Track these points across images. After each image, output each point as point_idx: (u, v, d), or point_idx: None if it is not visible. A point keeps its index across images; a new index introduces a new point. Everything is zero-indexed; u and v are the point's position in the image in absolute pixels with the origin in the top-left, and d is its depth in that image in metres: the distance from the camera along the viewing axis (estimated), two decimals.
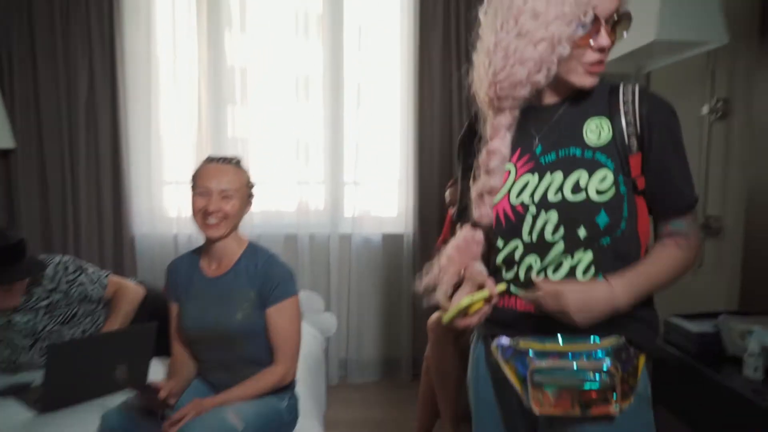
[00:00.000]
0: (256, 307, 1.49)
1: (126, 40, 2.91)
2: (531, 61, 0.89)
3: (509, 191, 0.98)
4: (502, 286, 0.94)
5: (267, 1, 3.04)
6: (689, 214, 0.96)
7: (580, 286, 0.91)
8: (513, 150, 0.99)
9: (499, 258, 1.01)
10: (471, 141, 1.06)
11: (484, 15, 0.96)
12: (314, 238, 3.14)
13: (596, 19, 0.89)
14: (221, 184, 1.47)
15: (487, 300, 0.92)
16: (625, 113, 0.94)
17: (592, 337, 0.92)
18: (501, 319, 0.99)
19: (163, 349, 1.74)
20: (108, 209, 2.94)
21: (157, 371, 1.84)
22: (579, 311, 0.88)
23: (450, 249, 1.03)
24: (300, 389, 1.83)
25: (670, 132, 0.94)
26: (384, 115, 3.16)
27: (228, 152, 3.01)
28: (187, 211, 2.61)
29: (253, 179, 1.59)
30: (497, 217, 0.99)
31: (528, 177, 0.96)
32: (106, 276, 1.97)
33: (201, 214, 1.46)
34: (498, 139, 0.98)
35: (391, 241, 3.18)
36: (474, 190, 1.01)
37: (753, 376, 1.37)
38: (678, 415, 1.58)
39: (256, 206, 3.03)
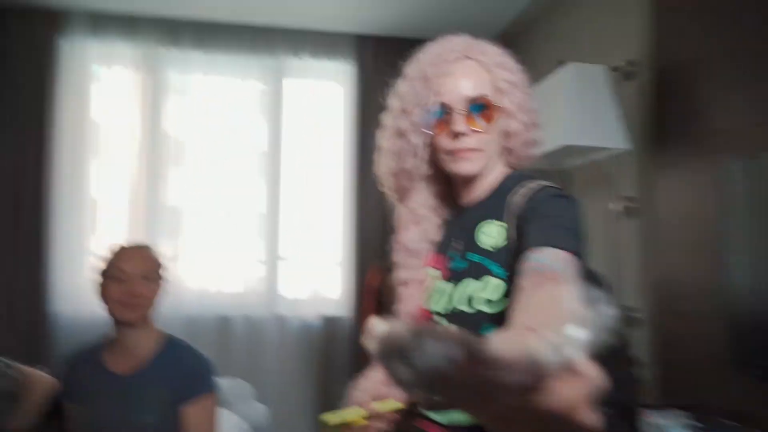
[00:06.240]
0: (171, 408, 1.41)
1: (60, 111, 2.87)
2: (392, 152, 0.96)
3: (427, 298, 0.95)
4: (389, 405, 0.88)
5: (208, 80, 3.10)
6: (551, 251, 0.75)
7: None
8: (440, 252, 0.98)
9: None
10: None
11: None
12: (249, 320, 3.05)
13: (447, 108, 0.89)
14: (140, 265, 1.43)
15: (377, 417, 0.88)
16: (514, 216, 0.86)
17: None
18: None
19: None
20: (22, 283, 2.76)
21: None
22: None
23: None
24: None
25: (543, 213, 0.81)
26: (325, 193, 3.20)
27: (163, 223, 2.99)
28: None
29: (164, 262, 1.54)
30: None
31: (443, 284, 0.93)
32: (9, 366, 1.82)
33: (119, 301, 1.39)
34: (403, 232, 1.00)
35: (331, 324, 3.11)
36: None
37: None
38: None
39: (188, 284, 3.00)
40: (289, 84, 3.17)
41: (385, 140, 0.99)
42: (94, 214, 2.97)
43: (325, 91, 3.26)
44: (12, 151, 2.78)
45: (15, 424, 1.74)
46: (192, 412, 1.43)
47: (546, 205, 0.83)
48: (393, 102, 0.98)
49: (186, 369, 1.44)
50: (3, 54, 2.78)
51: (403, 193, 1.00)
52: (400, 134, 0.95)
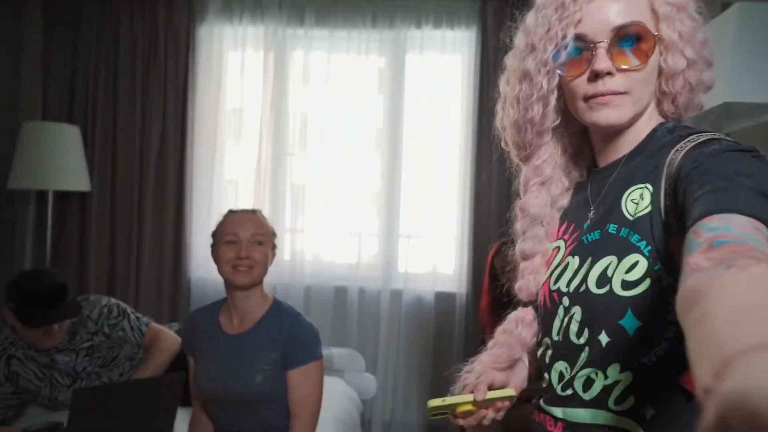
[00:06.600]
0: (277, 370, 1.44)
1: (197, 94, 3.08)
2: (515, 99, 0.80)
3: (551, 274, 0.81)
4: (501, 393, 0.79)
5: (330, 58, 3.13)
6: (735, 218, 0.53)
7: None
8: (568, 221, 0.84)
9: (538, 354, 0.83)
10: None
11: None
12: (364, 292, 3.08)
13: (588, 41, 0.72)
14: (251, 229, 1.45)
15: (487, 404, 0.78)
16: (667, 176, 0.67)
17: None
18: None
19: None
20: (169, 252, 3.05)
21: (184, 421, 1.82)
22: None
23: (498, 332, 0.89)
24: None
25: (717, 171, 0.60)
26: (442, 169, 3.11)
27: (286, 199, 3.12)
28: None
29: (275, 230, 1.56)
30: (541, 302, 0.83)
31: (569, 259, 0.79)
32: (147, 324, 2.00)
33: (230, 264, 1.43)
34: (527, 195, 0.86)
35: (444, 299, 3.05)
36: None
37: None
38: None
39: (309, 255, 3.10)
40: (410, 58, 3.10)
41: (507, 85, 0.84)
42: (227, 192, 3.17)
43: (446, 63, 3.13)
44: (158, 135, 3.04)
45: (147, 373, 1.91)
46: (298, 377, 1.44)
47: (720, 160, 0.61)
48: (519, 38, 0.81)
49: (292, 334, 1.45)
50: (152, 42, 3.03)
51: (527, 150, 0.85)
52: (525, 76, 0.78)
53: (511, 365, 0.85)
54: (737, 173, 0.58)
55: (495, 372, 0.83)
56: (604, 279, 0.71)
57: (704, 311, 0.41)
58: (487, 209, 2.98)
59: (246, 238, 1.44)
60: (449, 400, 0.78)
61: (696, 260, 0.50)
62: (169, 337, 2.01)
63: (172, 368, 1.89)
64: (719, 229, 0.52)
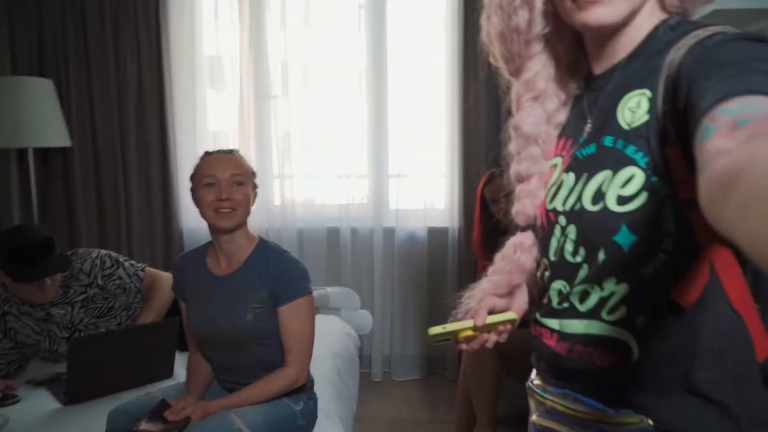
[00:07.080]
0: (268, 308, 1.44)
1: (171, 42, 2.97)
2: (498, 7, 0.74)
3: (547, 193, 0.78)
4: (502, 317, 0.79)
5: None
6: (754, 98, 0.48)
7: None
8: (566, 137, 0.78)
9: (538, 275, 0.82)
10: None
11: None
12: (357, 232, 3.09)
13: None
14: (230, 170, 1.41)
15: (485, 328, 0.79)
16: (667, 78, 0.62)
17: (612, 409, 0.69)
18: (536, 350, 0.82)
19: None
20: (158, 204, 3.03)
21: (183, 364, 1.86)
22: None
23: (497, 258, 0.86)
24: (324, 389, 1.78)
25: (723, 60, 0.55)
26: (429, 105, 3.05)
27: (273, 145, 3.07)
28: None
29: (255, 169, 1.52)
30: (539, 223, 0.81)
31: (565, 176, 0.75)
32: (143, 269, 2.01)
33: (212, 207, 1.40)
34: (520, 113, 0.79)
35: (436, 235, 3.07)
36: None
37: None
38: None
39: (299, 199, 3.09)
40: None
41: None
42: (211, 140, 3.10)
43: None
44: (135, 86, 2.94)
45: (150, 317, 1.93)
46: (289, 313, 1.45)
47: (727, 50, 0.56)
48: None
49: (280, 271, 1.44)
50: None
51: (516, 63, 0.78)
52: None
53: (512, 291, 0.84)
54: (749, 59, 0.52)
55: (495, 298, 0.82)
56: (598, 195, 0.67)
57: (757, 187, 0.33)
58: (476, 143, 2.94)
59: (225, 179, 1.41)
60: (449, 326, 0.79)
61: (717, 143, 0.44)
62: (167, 278, 2.01)
63: (173, 310, 1.90)
64: (741, 109, 0.46)
